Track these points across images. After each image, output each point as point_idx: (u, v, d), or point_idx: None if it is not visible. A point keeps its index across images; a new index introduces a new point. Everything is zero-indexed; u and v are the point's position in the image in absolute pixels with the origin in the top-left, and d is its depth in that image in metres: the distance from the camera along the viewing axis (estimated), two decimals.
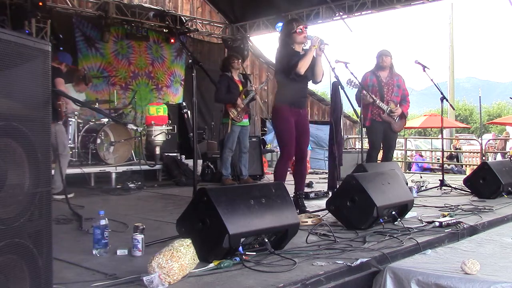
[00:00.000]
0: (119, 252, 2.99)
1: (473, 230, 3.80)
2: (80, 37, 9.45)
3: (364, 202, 3.65)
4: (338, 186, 4.60)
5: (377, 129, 6.05)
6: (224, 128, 6.89)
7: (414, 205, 4.25)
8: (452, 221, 3.82)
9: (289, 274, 2.55)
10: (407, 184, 5.19)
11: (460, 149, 16.00)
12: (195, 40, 11.73)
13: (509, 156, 12.05)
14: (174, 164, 7.80)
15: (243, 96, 6.80)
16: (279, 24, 10.24)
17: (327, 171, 6.35)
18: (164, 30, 10.75)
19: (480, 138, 13.04)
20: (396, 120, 6.15)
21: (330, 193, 5.23)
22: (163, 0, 11.27)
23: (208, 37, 12.03)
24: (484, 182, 5.50)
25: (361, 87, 5.79)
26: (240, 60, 7.07)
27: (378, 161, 6.54)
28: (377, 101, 5.96)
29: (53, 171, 5.51)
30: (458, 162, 14.57)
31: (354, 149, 11.29)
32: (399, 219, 3.85)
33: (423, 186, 6.32)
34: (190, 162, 7.83)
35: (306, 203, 4.74)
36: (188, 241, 2.59)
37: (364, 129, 5.88)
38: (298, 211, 4.41)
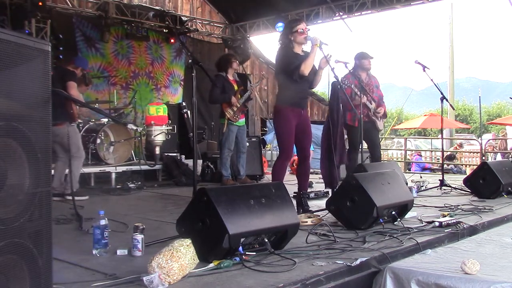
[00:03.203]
0: (119, 252, 2.99)
1: (473, 230, 3.80)
2: (80, 37, 9.45)
3: (364, 202, 3.65)
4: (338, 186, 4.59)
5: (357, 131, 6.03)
6: (221, 128, 6.86)
7: (414, 205, 4.25)
8: (452, 221, 3.82)
9: (289, 274, 2.55)
10: (407, 184, 5.20)
11: (461, 147, 15.96)
12: (195, 40, 11.74)
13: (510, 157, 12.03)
14: (174, 164, 7.79)
15: (239, 96, 6.75)
16: (279, 24, 10.25)
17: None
18: (164, 30, 10.76)
19: (480, 138, 13.04)
20: (380, 119, 6.25)
21: (330, 193, 5.23)
22: (163, 0, 11.27)
23: (208, 37, 12.03)
24: (484, 182, 5.50)
25: (361, 88, 5.79)
26: (238, 61, 7.05)
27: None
28: (368, 103, 5.99)
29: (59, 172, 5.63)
30: (454, 161, 14.56)
31: None
32: (399, 219, 3.85)
33: (423, 186, 6.32)
34: (190, 162, 7.83)
35: None
36: (188, 241, 2.59)
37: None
38: (301, 210, 4.43)
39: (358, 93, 5.77)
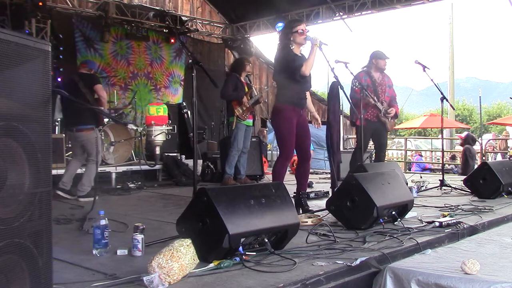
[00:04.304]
0: (119, 252, 2.99)
1: (473, 230, 3.79)
2: (79, 37, 9.46)
3: (364, 202, 3.65)
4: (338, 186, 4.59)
5: (368, 129, 6.02)
6: (229, 126, 6.96)
7: (414, 205, 4.25)
8: (452, 221, 3.82)
9: (289, 274, 2.55)
10: (407, 184, 5.19)
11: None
12: (195, 40, 11.74)
13: (509, 156, 12.03)
14: (174, 164, 7.80)
15: (249, 97, 6.88)
16: (279, 24, 10.25)
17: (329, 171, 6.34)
18: (164, 30, 10.76)
19: (480, 138, 13.04)
20: (390, 120, 6.22)
21: (330, 193, 5.23)
22: (163, 0, 11.27)
23: (208, 37, 12.03)
24: (484, 182, 5.50)
25: (362, 88, 5.78)
26: (250, 64, 7.25)
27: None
28: (378, 104, 5.97)
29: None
30: (455, 161, 14.58)
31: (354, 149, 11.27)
32: (399, 219, 3.85)
33: (423, 186, 6.32)
34: (190, 162, 7.83)
35: None
36: (188, 241, 2.59)
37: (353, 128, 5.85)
38: (301, 210, 4.42)
39: (368, 93, 5.77)
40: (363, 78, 6.06)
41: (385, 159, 6.93)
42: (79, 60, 9.31)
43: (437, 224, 3.76)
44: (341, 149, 8.47)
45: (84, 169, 5.71)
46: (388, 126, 6.22)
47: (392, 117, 6.23)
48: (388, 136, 7.03)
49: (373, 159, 7.76)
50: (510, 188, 5.54)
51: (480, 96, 13.19)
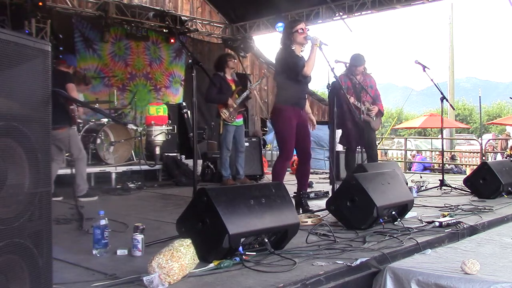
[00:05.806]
0: (119, 252, 2.99)
1: (473, 230, 3.80)
2: (79, 37, 9.44)
3: (364, 202, 3.65)
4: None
5: (354, 130, 6.04)
6: (216, 128, 6.85)
7: (414, 205, 4.25)
8: (452, 221, 3.82)
9: (289, 274, 2.55)
10: (407, 184, 5.19)
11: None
12: (195, 40, 11.73)
13: (506, 156, 12.05)
14: (174, 164, 7.79)
15: (236, 96, 6.74)
16: (279, 24, 10.25)
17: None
18: (164, 30, 10.75)
19: (480, 138, 13.04)
20: (374, 119, 6.24)
21: (330, 193, 5.23)
22: (163, 0, 11.27)
23: (208, 37, 12.02)
24: (484, 182, 5.50)
25: (357, 87, 5.79)
26: (236, 60, 7.04)
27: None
28: (360, 104, 5.99)
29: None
30: (455, 161, 14.60)
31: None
32: (399, 219, 3.85)
33: (423, 186, 6.32)
34: (190, 162, 7.83)
35: None
36: (188, 241, 2.59)
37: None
38: (301, 210, 4.43)
39: (346, 92, 5.78)
40: (343, 81, 6.01)
41: (385, 159, 6.94)
42: (78, 60, 9.31)
43: (437, 224, 3.77)
44: (341, 148, 8.48)
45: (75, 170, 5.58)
46: (374, 125, 6.27)
47: (376, 115, 6.27)
48: (387, 136, 7.06)
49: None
50: (510, 188, 5.54)
51: (480, 96, 13.20)
